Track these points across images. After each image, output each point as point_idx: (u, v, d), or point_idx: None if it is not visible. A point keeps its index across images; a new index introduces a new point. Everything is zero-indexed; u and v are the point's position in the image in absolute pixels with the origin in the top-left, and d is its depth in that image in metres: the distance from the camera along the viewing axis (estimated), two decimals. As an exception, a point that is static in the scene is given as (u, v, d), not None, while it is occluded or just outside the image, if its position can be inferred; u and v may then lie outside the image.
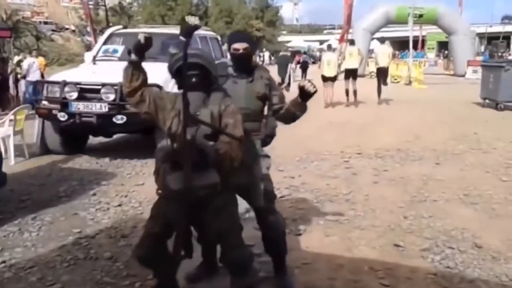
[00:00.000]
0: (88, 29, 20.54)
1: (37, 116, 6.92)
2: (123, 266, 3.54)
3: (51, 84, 6.56)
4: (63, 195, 5.23)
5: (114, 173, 6.15)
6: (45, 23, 38.05)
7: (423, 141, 8.13)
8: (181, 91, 2.60)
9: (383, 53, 14.11)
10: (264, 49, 43.82)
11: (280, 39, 55.14)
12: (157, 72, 6.80)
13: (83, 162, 6.73)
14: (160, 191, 2.56)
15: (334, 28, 69.62)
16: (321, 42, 50.95)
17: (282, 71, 12.72)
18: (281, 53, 17.12)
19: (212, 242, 2.73)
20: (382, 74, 13.92)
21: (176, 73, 2.62)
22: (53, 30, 37.39)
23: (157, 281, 2.95)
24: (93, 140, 7.78)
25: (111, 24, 16.83)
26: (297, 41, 50.94)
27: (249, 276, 2.78)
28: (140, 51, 2.57)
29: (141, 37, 2.50)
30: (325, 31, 73.60)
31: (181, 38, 2.68)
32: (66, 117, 6.32)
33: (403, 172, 6.22)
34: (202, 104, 2.56)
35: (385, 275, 3.41)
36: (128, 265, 3.55)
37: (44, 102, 6.54)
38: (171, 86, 6.65)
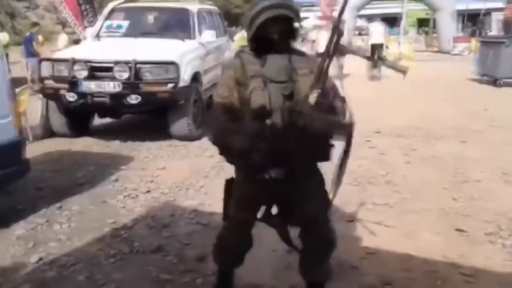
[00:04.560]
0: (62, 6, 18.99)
1: (40, 96, 6.44)
2: (176, 260, 3.23)
3: (58, 62, 6.07)
4: (83, 181, 4.84)
5: (130, 157, 5.76)
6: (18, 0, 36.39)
7: (437, 119, 7.94)
8: (242, 52, 2.24)
9: (377, 31, 14.01)
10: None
11: (259, 16, 54.29)
12: (170, 49, 6.47)
13: (92, 145, 6.32)
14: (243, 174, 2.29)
15: (312, 5, 69.03)
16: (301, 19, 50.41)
17: None
18: None
19: (300, 225, 2.36)
20: (376, 50, 13.79)
21: (257, 29, 2.11)
22: (27, 7, 35.78)
23: (219, 275, 2.69)
24: (95, 121, 7.33)
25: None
26: (278, 18, 50.21)
27: (328, 265, 2.52)
28: None
29: None
30: (303, 8, 72.96)
31: None
32: (76, 97, 5.86)
33: (432, 151, 6.02)
34: (292, 68, 2.14)
35: (461, 264, 3.19)
36: (182, 259, 3.25)
37: (50, 82, 6.05)
38: (187, 62, 6.30)
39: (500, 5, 29.70)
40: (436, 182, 4.85)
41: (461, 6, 41.95)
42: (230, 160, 2.25)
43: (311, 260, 2.43)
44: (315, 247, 2.37)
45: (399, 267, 3.15)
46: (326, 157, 2.18)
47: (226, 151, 2.15)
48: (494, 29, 34.57)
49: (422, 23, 44.22)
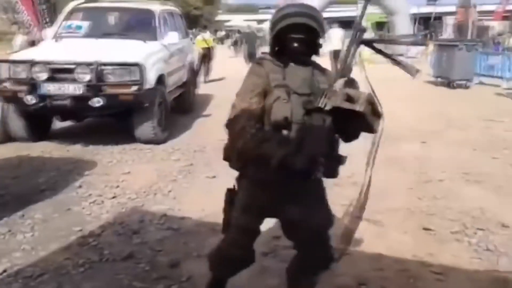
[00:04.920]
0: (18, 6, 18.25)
1: (-3, 99, 6.17)
2: (149, 267, 3.16)
3: (16, 63, 5.83)
4: (45, 188, 4.67)
5: (93, 161, 5.60)
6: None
7: (397, 120, 8.09)
8: (260, 58, 2.18)
9: (336, 37, 14.25)
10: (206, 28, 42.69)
11: (217, 18, 54.20)
12: (134, 50, 6.34)
13: (52, 149, 6.09)
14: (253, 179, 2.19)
15: (269, 8, 69.32)
16: (259, 21, 50.52)
17: (251, 47, 12.87)
18: (245, 31, 17.28)
19: (302, 238, 2.29)
20: (336, 56, 14.00)
21: (276, 35, 2.09)
22: (-26, 6, 34.24)
23: (212, 282, 2.60)
24: (53, 125, 7.09)
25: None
26: (237, 20, 50.19)
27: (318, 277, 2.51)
28: None
29: None
30: (260, 11, 73.12)
31: None
32: (35, 100, 5.65)
33: (394, 151, 6.14)
34: (315, 82, 2.11)
35: (430, 262, 3.28)
36: (154, 266, 3.18)
37: (6, 84, 5.81)
38: (151, 64, 6.20)
39: (451, 9, 30.85)
40: (400, 182, 4.96)
41: (413, 10, 43.23)
42: (238, 167, 2.20)
43: (304, 273, 2.39)
44: (313, 262, 2.31)
45: (372, 267, 3.21)
46: (334, 173, 2.19)
47: (247, 158, 2.07)
48: (446, 33, 35.89)
49: (379, 26, 45.29)
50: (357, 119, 1.93)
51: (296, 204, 2.18)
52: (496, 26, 32.13)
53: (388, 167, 5.51)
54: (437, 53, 13.85)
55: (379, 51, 2.18)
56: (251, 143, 1.98)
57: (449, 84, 13.11)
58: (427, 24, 45.73)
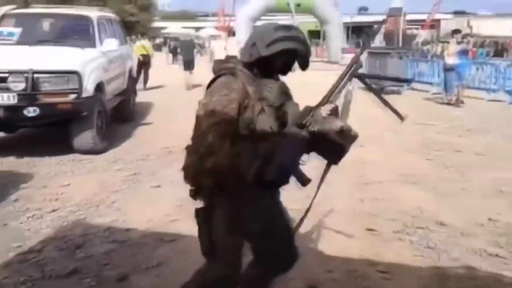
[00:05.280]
0: None
1: None
2: (95, 282, 3.05)
3: None
4: (-23, 203, 4.42)
5: (29, 174, 5.35)
6: None
7: (336, 125, 8.39)
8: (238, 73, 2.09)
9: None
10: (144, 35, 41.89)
11: (154, 25, 53.39)
12: (71, 57, 6.12)
13: (-17, 163, 5.77)
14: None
15: (207, 15, 69.20)
16: (197, 29, 50.36)
17: (188, 55, 12.83)
18: (183, 39, 17.23)
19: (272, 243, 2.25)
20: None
21: (268, 56, 2.02)
22: None
23: None
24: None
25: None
26: (174, 28, 49.72)
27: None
28: None
29: None
30: (198, 18, 72.88)
31: None
32: (-36, 110, 5.33)
33: (335, 156, 6.33)
34: (285, 96, 2.17)
35: (376, 261, 3.40)
36: (101, 280, 3.08)
37: None
38: (90, 71, 6.01)
39: (381, 18, 32.28)
40: (342, 185, 5.10)
41: (346, 19, 44.91)
42: (212, 184, 2.00)
43: (267, 277, 2.41)
44: (280, 266, 2.36)
45: (321, 269, 3.27)
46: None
47: (219, 174, 1.96)
48: (377, 41, 37.50)
49: (313, 35, 46.50)
50: (332, 147, 2.08)
51: (269, 213, 2.25)
52: (422, 34, 33.99)
53: (330, 171, 5.65)
54: (370, 60, 14.40)
55: (370, 88, 2.26)
56: (223, 160, 1.93)
57: (381, 90, 13.65)
58: (359, 32, 47.62)
